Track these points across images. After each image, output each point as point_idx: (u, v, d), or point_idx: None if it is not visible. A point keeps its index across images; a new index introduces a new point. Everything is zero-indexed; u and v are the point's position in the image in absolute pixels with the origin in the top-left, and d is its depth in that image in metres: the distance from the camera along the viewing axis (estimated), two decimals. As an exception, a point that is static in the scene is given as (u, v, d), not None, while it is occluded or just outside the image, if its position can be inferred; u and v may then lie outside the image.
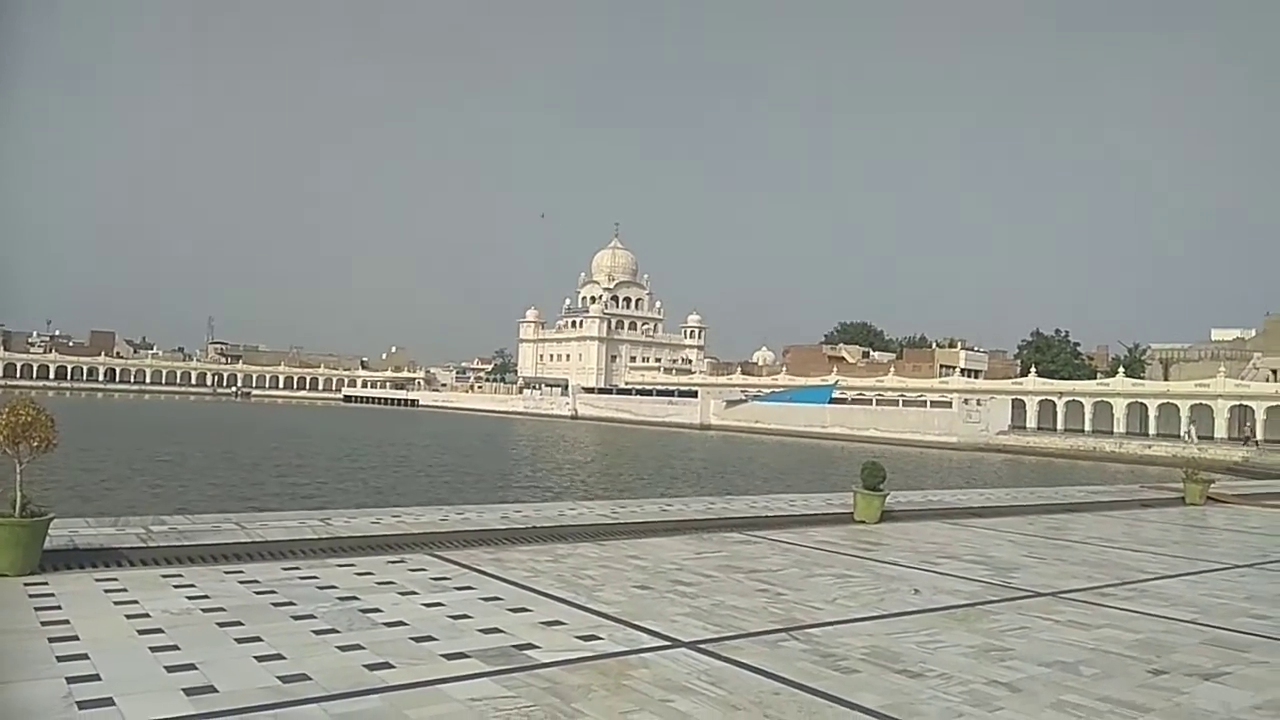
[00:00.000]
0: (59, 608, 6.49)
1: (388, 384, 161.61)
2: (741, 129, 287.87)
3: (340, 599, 7.09)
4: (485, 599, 7.34)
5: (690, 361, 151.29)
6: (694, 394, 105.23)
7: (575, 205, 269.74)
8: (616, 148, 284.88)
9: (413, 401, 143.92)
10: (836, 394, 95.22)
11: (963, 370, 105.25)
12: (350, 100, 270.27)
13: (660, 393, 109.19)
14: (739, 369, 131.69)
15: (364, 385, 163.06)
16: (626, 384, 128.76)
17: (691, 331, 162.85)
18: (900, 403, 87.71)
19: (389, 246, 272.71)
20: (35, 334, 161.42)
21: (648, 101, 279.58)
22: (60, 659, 5.30)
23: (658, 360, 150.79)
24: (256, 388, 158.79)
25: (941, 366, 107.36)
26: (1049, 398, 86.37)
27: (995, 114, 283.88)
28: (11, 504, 7.58)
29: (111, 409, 72.37)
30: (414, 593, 7.45)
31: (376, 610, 6.76)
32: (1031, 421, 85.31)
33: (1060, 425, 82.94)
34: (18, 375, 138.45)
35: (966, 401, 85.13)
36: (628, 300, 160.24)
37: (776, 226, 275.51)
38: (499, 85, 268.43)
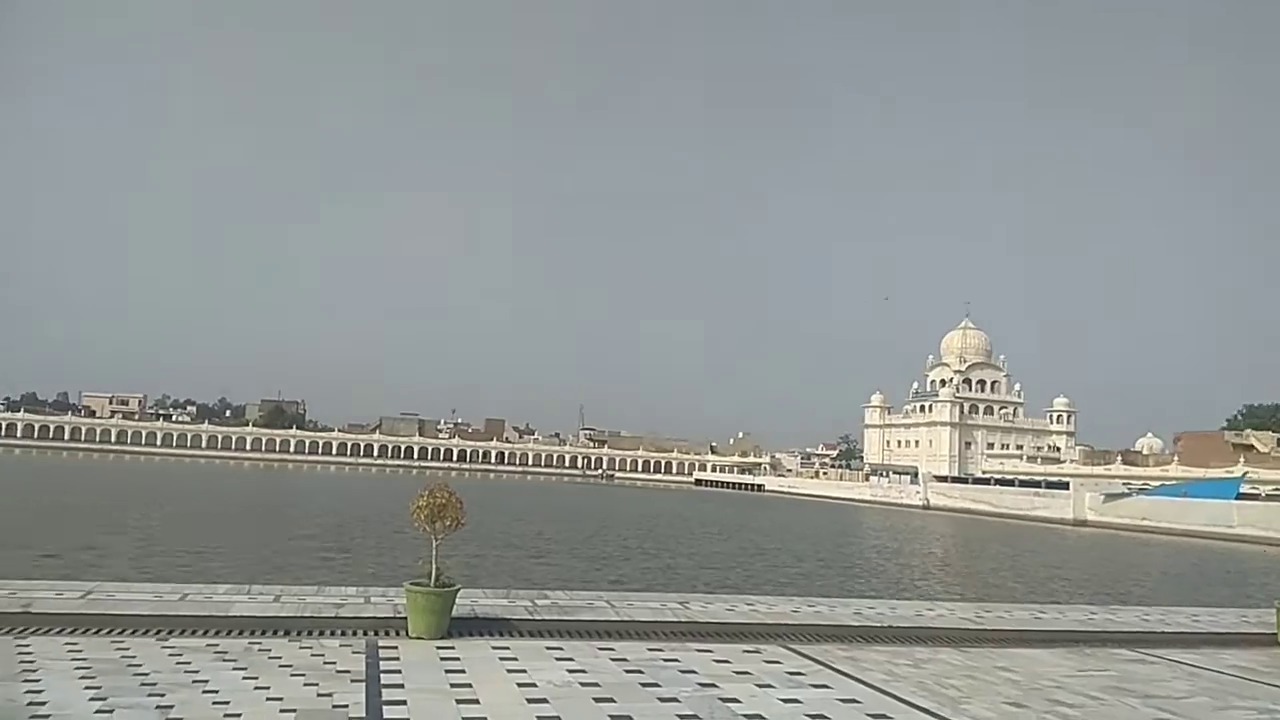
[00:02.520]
0: (463, 671, 7.38)
1: (735, 469, 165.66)
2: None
3: (700, 684, 7.31)
4: (843, 700, 7.16)
5: (1058, 449, 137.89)
6: (1064, 485, 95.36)
7: (920, 286, 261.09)
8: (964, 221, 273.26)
9: (759, 486, 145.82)
10: (1245, 488, 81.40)
11: None
12: (706, 200, 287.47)
13: (1023, 483, 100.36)
14: (1119, 458, 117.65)
15: (713, 469, 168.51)
16: (984, 473, 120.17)
17: (1059, 416, 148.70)
18: (1338, 500, 72.72)
19: (740, 332, 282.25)
20: (442, 421, 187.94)
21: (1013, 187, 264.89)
22: (465, 720, 6.01)
23: (1019, 448, 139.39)
24: (619, 470, 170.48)
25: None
26: None
27: None
28: (428, 575, 8.82)
29: (500, 488, 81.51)
30: (770, 685, 7.47)
31: (735, 700, 6.88)
32: None
33: None
34: (429, 457, 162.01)
35: None
36: (981, 383, 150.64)
37: (1156, 299, 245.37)
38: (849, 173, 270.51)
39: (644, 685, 7.21)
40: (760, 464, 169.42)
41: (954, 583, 30.88)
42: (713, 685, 7.30)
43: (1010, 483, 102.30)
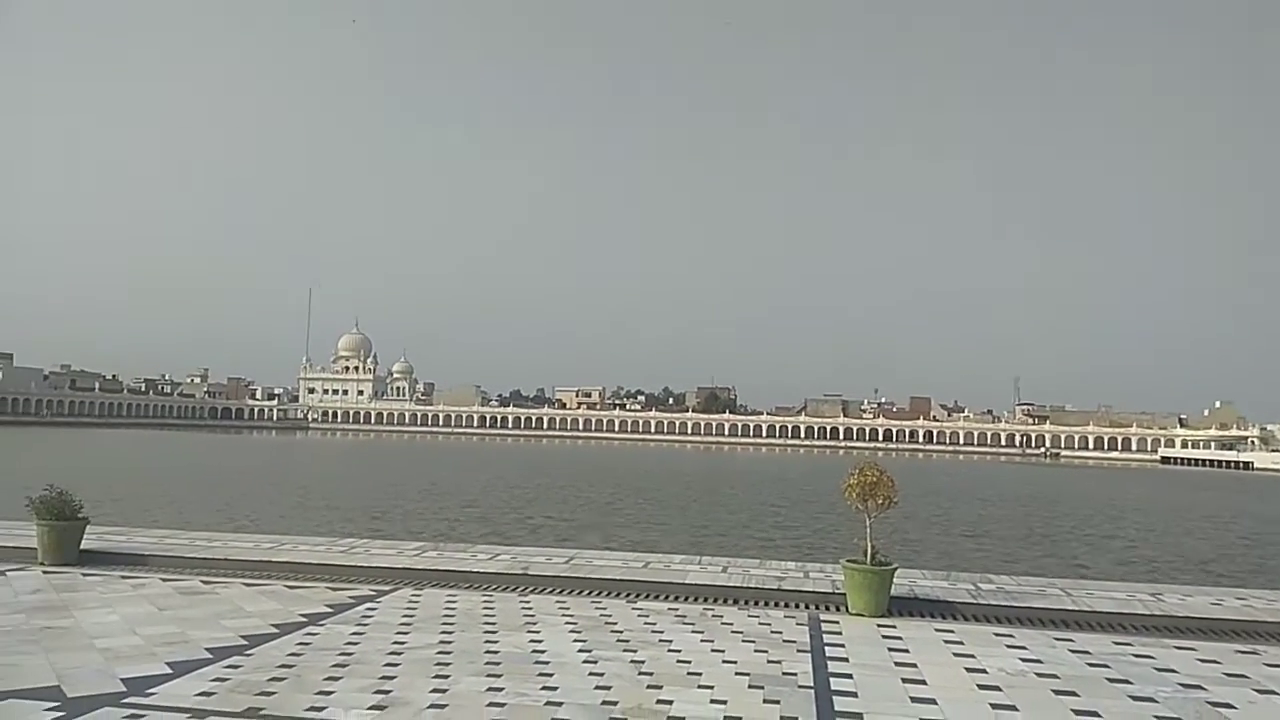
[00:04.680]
0: (906, 650, 7.29)
1: (1210, 444, 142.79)
2: None
3: (1182, 685, 6.45)
4: (1383, 719, 5.86)
5: None
6: None
7: None
8: None
9: (1245, 464, 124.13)
10: None
11: None
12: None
13: None
14: None
15: (1183, 445, 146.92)
16: None
17: None
18: None
19: (1219, 284, 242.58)
20: (865, 401, 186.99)
21: None
22: (914, 700, 5.93)
23: None
24: (1065, 448, 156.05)
25: None
26: None
27: None
28: (864, 553, 8.86)
29: (928, 469, 79.07)
30: (1274, 693, 6.37)
31: (1228, 706, 5.97)
32: None
33: None
34: (853, 438, 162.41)
35: None
36: None
37: None
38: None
39: (1111, 681, 6.55)
40: (1245, 437, 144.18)
41: None
42: (1198, 687, 6.41)
43: None
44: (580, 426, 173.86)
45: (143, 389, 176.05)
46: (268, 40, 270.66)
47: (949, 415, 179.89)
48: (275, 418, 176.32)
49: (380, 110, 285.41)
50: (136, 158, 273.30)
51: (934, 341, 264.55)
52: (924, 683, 6.36)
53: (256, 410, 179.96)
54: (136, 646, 6.72)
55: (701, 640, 7.40)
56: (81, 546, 10.24)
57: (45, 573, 9.62)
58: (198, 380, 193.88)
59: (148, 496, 27.70)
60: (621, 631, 7.64)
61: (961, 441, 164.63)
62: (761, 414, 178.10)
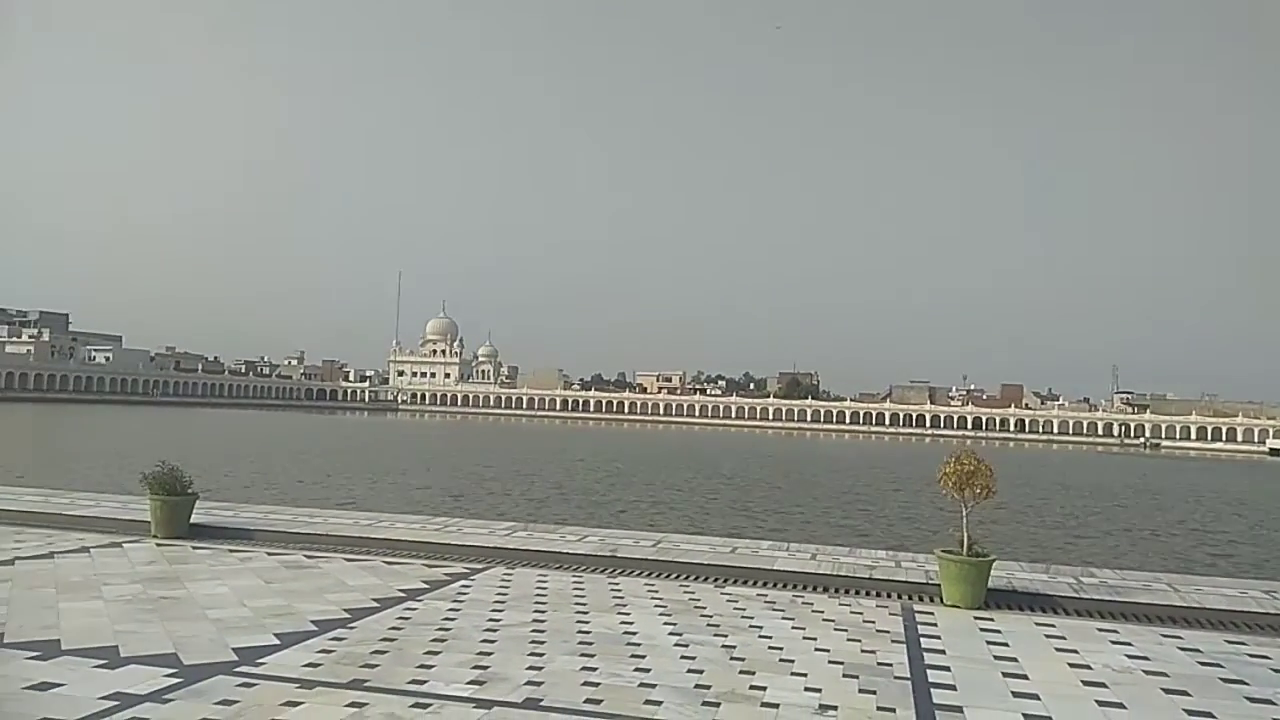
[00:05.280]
0: (1006, 644, 7.10)
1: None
2: None
3: (1307, 688, 6.13)
4: None
5: None
6: None
7: None
8: None
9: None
10: None
11: None
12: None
13: None
14: None
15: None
16: None
17: None
18: None
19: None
20: (954, 388, 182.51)
21: None
22: (1015, 695, 5.78)
23: None
24: (1165, 438, 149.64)
25: None
26: None
27: None
28: (959, 544, 8.65)
29: (1019, 458, 76.75)
30: None
31: (1357, 713, 5.64)
32: None
33: None
34: (941, 425, 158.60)
35: None
36: None
37: None
38: None
39: (1225, 681, 6.26)
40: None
41: None
42: (1322, 691, 6.07)
43: None
44: (661, 411, 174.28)
45: (243, 370, 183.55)
46: (374, 34, 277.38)
47: (1042, 403, 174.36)
48: (366, 399, 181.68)
49: (469, 97, 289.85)
50: (235, 148, 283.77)
51: (1027, 328, 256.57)
52: (1025, 677, 6.18)
53: (349, 391, 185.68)
54: (245, 618, 7.01)
55: (792, 627, 7.35)
56: (191, 521, 10.73)
57: (158, 545, 10.11)
58: (294, 362, 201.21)
59: (250, 473, 28.87)
60: (711, 616, 7.64)
61: (1055, 431, 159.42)
62: (845, 400, 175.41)
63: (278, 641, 6.36)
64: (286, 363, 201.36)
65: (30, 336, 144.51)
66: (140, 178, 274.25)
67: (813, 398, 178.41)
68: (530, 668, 5.93)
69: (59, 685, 5.23)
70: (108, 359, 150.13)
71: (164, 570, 8.83)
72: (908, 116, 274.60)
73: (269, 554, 9.78)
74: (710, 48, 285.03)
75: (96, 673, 5.50)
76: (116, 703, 4.97)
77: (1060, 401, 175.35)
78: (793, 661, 6.33)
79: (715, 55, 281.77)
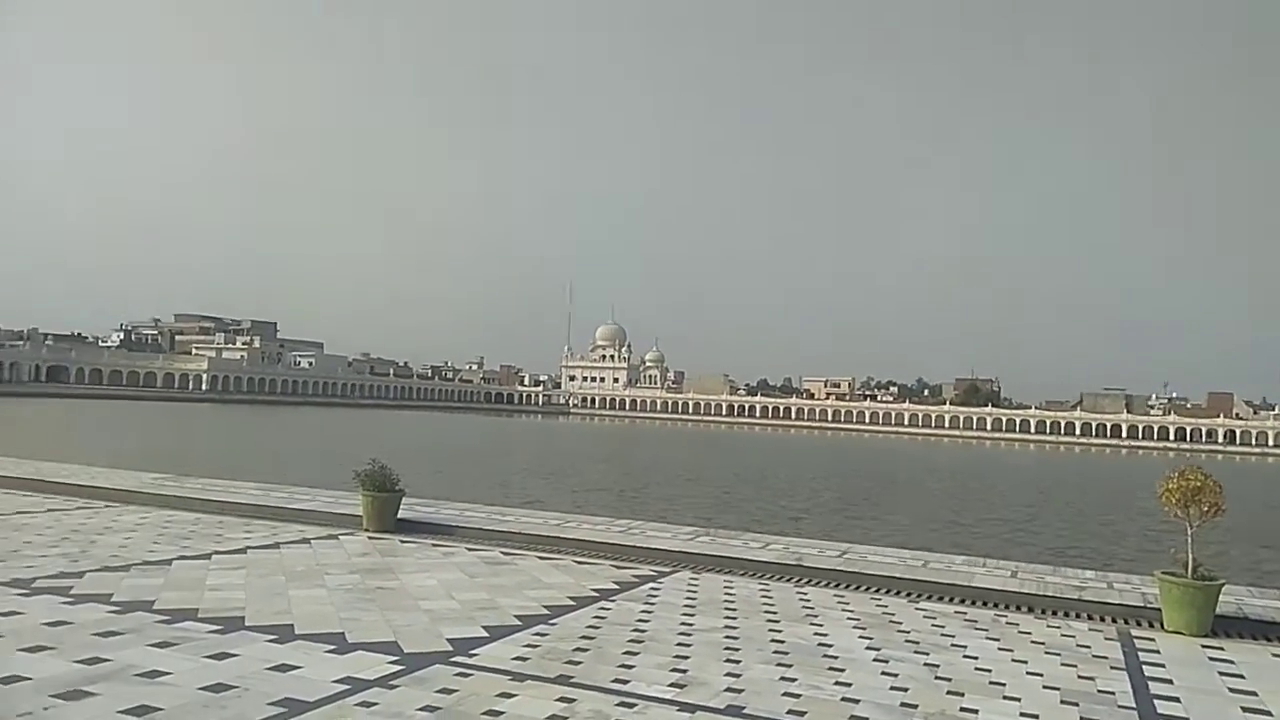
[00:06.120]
0: (1241, 676, 6.50)
1: None
2: None
3: None
4: None
5: None
6: None
7: None
8: None
9: None
10: None
11: None
12: None
13: None
14: None
15: None
16: None
17: None
18: None
19: None
20: (1153, 396, 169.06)
21: None
22: (1261, 732, 5.27)
23: None
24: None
25: None
26: None
27: None
28: (1183, 565, 7.97)
29: (1237, 473, 70.08)
30: None
31: None
32: None
33: None
34: (1139, 436, 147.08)
35: None
36: None
37: None
38: None
39: None
40: None
41: None
42: None
43: None
44: (829, 417, 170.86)
45: (429, 375, 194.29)
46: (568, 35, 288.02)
47: (1255, 413, 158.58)
48: (540, 403, 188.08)
49: (634, 107, 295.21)
50: (415, 175, 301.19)
51: (1236, 332, 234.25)
52: (1268, 714, 5.64)
53: (524, 395, 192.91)
54: (454, 610, 7.38)
55: (999, 648, 7.00)
56: (398, 516, 11.42)
57: (370, 538, 10.82)
58: (474, 367, 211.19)
59: (443, 472, 30.45)
60: (909, 632, 7.39)
61: (1271, 443, 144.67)
62: (1029, 408, 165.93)
63: (486, 634, 6.65)
64: (468, 367, 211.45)
65: (244, 344, 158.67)
66: (338, 212, 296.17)
67: (993, 405, 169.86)
68: (728, 674, 5.93)
69: (297, 667, 5.67)
70: (310, 364, 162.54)
71: (377, 562, 9.43)
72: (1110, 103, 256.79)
73: (469, 549, 10.26)
74: (917, 48, 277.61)
75: (328, 657, 5.93)
76: (348, 686, 5.34)
77: (1276, 411, 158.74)
78: (1004, 684, 6.02)
79: (915, 55, 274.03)
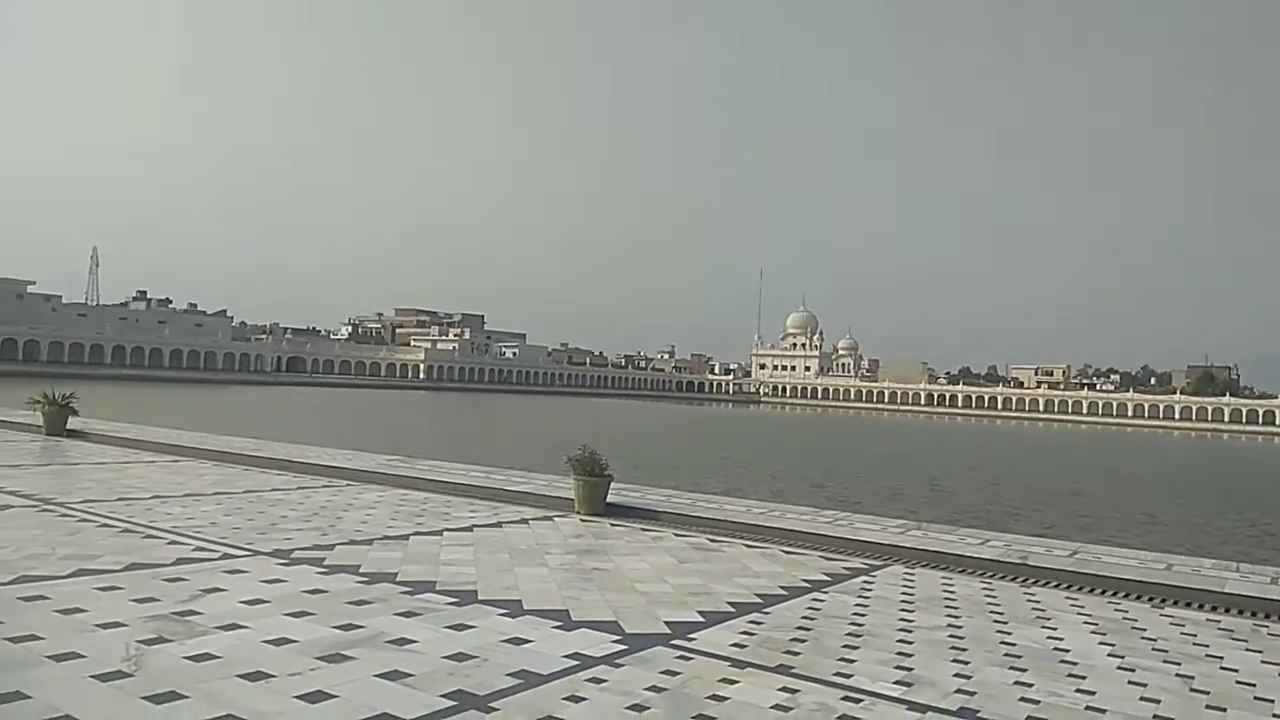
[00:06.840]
0: None
1: None
2: None
3: None
4: None
5: None
6: None
7: None
8: None
9: None
10: None
11: None
12: None
13: None
14: None
15: None
16: None
17: None
18: None
19: None
20: None
21: None
22: None
23: None
24: None
25: None
26: None
27: None
28: None
29: None
30: None
31: None
32: None
33: None
34: None
35: None
36: None
37: None
38: None
39: None
40: None
41: None
42: None
43: None
44: (1040, 408, 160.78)
45: (623, 364, 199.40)
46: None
47: None
48: (730, 391, 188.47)
49: (808, 90, 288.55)
50: (602, 164, 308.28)
51: None
52: None
53: (715, 384, 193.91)
54: (668, 593, 7.52)
55: (1262, 661, 6.34)
56: (607, 500, 11.78)
57: (582, 520, 11.22)
58: (666, 356, 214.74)
59: (644, 458, 31.15)
60: (1155, 640, 6.82)
61: None
62: (1275, 398, 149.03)
63: (701, 619, 6.73)
64: (660, 356, 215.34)
65: (455, 335, 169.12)
66: (525, 216, 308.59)
67: (1231, 394, 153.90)
68: (957, 675, 5.69)
69: (528, 641, 5.95)
70: (514, 354, 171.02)
71: (591, 544, 9.77)
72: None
73: (676, 535, 10.42)
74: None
75: (555, 633, 6.19)
76: (577, 662, 5.55)
77: None
78: (1271, 701, 5.45)
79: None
